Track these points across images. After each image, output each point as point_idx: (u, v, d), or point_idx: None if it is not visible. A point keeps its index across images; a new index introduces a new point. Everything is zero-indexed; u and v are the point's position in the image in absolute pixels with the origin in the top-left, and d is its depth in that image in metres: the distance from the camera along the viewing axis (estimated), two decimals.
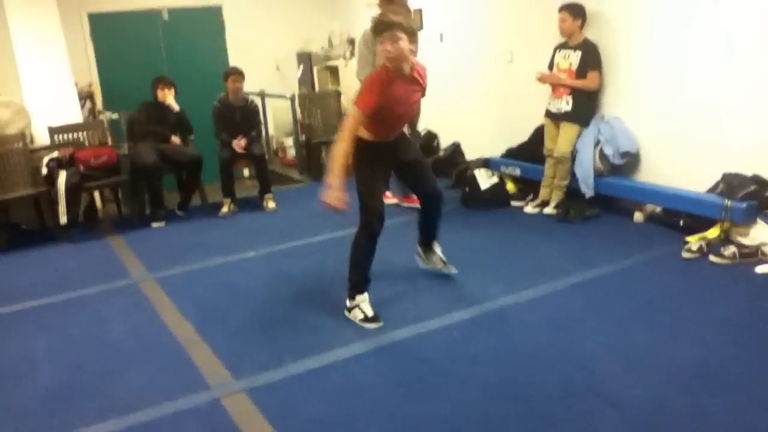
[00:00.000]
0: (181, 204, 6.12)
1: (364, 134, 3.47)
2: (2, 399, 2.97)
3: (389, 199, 5.61)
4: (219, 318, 3.69)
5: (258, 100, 7.91)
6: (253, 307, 3.81)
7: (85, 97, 7.10)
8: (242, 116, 6.06)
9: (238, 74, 6.05)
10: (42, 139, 6.02)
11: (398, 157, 3.66)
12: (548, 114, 5.16)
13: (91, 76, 7.48)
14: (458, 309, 3.53)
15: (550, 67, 5.17)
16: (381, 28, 3.24)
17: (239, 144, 5.90)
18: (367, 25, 4.38)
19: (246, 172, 7.63)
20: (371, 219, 3.48)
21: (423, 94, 3.63)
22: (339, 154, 3.26)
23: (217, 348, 3.30)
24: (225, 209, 5.97)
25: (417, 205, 4.30)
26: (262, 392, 2.85)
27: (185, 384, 2.98)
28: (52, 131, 5.88)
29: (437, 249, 4.03)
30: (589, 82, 4.89)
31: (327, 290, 3.97)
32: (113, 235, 5.60)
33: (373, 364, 3.01)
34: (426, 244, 4.04)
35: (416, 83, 3.48)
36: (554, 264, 4.11)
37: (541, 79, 5.08)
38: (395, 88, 3.33)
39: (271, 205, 6.02)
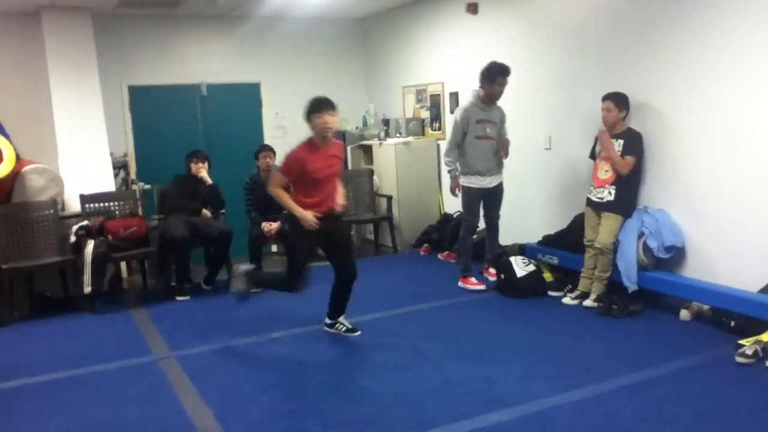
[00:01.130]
0: (207, 278, 6.00)
1: (305, 203, 4.20)
2: None
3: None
4: (241, 406, 3.48)
5: None
6: (278, 396, 3.60)
7: (120, 167, 7.12)
8: None
9: (269, 151, 6.05)
10: (73, 206, 6.00)
11: (329, 232, 4.29)
12: (589, 203, 5.01)
13: (127, 147, 7.53)
14: (496, 409, 3.28)
15: (593, 156, 5.06)
16: (326, 103, 4.19)
17: (269, 228, 5.81)
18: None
19: (275, 247, 7.52)
20: (295, 279, 4.36)
21: (341, 167, 4.45)
22: (281, 194, 4.28)
23: None
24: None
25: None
26: None
27: None
28: (84, 199, 5.86)
29: (342, 319, 4.61)
30: (625, 163, 4.75)
31: (357, 379, 3.77)
32: (137, 308, 5.47)
33: None
34: (334, 317, 4.63)
35: (335, 155, 4.33)
36: (599, 363, 3.86)
37: (601, 138, 4.91)
38: (317, 157, 4.18)
39: None
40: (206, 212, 5.97)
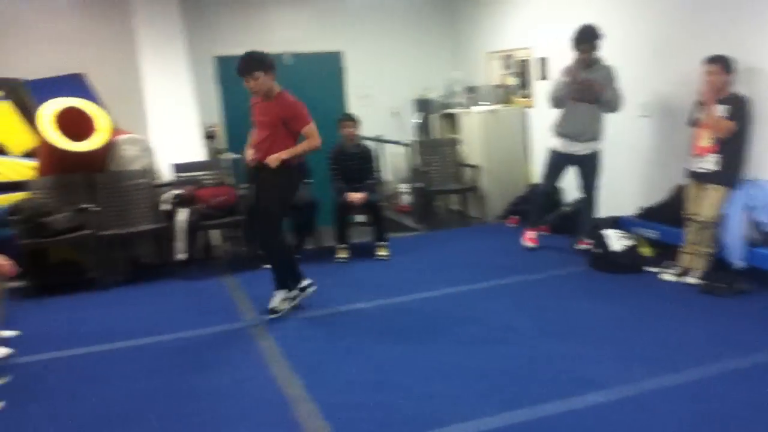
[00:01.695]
0: (294, 247, 6.05)
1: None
2: None
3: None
4: (329, 376, 3.48)
5: (375, 146, 7.87)
6: (364, 367, 3.58)
7: (208, 137, 7.25)
8: (358, 163, 5.97)
9: (351, 120, 6.00)
10: (165, 175, 6.15)
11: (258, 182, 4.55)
12: (691, 174, 4.70)
13: (216, 117, 7.66)
14: (589, 390, 3.14)
15: (693, 123, 4.73)
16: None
17: (355, 197, 5.79)
18: None
19: (360, 217, 7.52)
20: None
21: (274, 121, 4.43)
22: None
23: (325, 410, 3.09)
24: (342, 255, 5.85)
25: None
26: None
27: None
28: (176, 169, 6.00)
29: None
30: (724, 125, 4.42)
31: (442, 352, 3.70)
32: (228, 275, 5.58)
33: None
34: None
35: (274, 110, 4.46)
36: (701, 345, 3.63)
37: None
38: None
39: (383, 253, 5.84)
40: None
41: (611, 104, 5.31)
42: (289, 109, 4.44)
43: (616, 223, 5.36)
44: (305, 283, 4.63)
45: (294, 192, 4.59)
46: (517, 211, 6.92)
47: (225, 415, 3.11)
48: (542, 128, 6.99)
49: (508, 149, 7.23)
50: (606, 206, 5.88)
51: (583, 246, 5.51)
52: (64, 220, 5.18)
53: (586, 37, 5.25)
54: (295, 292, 4.58)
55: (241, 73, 4.41)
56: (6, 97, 6.00)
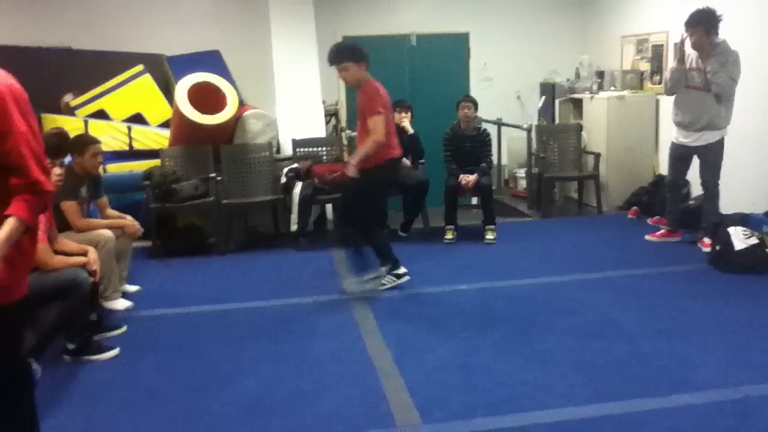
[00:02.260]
0: (404, 225, 6.13)
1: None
2: (202, 402, 3.08)
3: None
4: (419, 353, 3.53)
5: (494, 129, 7.77)
6: (456, 348, 3.59)
7: (332, 114, 7.46)
8: (473, 146, 5.94)
9: (469, 102, 5.94)
10: (287, 150, 6.41)
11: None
12: None
13: (339, 96, 7.86)
14: (687, 391, 2.98)
15: None
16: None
17: (467, 180, 5.76)
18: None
19: (474, 199, 7.48)
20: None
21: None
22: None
23: (412, 386, 3.14)
24: (448, 236, 5.86)
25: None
26: None
27: (374, 419, 2.85)
28: (295, 144, 6.24)
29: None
30: None
31: (538, 341, 3.63)
32: (337, 248, 5.75)
33: None
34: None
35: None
36: None
37: None
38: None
39: (491, 237, 5.78)
40: (406, 161, 6.05)
41: (718, 93, 4.94)
42: (364, 98, 4.39)
43: (742, 220, 4.99)
44: (401, 270, 4.65)
45: (378, 192, 4.66)
46: (639, 203, 6.60)
47: (318, 380, 3.24)
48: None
49: (634, 137, 6.90)
50: (733, 202, 5.49)
51: (703, 247, 5.21)
52: (191, 188, 5.55)
53: (696, 19, 4.91)
54: (388, 277, 4.63)
55: (331, 62, 4.44)
56: (146, 71, 6.47)
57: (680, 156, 5.31)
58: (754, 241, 4.71)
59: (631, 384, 3.08)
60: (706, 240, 5.18)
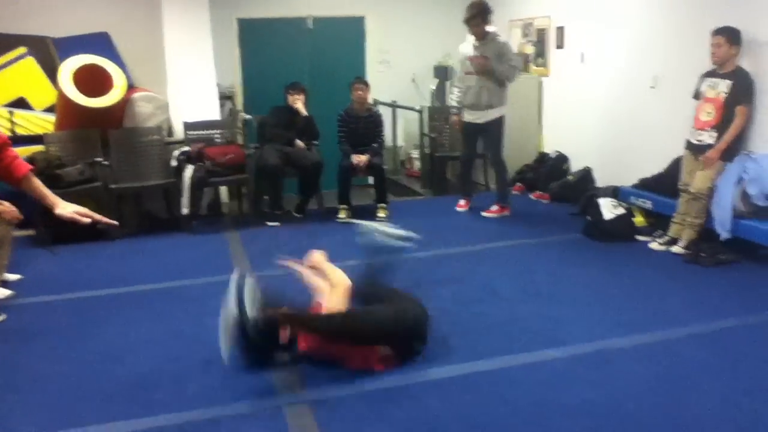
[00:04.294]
0: (298, 206, 6.21)
1: None
2: (91, 380, 3.09)
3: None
4: None
5: (390, 111, 7.95)
6: None
7: (227, 97, 7.41)
8: (365, 126, 6.08)
9: (362, 83, 6.08)
10: (179, 133, 6.34)
11: None
12: (689, 146, 4.70)
13: (235, 79, 7.81)
14: (555, 347, 3.25)
15: (696, 96, 4.71)
16: None
17: (359, 159, 5.90)
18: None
19: (371, 179, 7.63)
20: None
21: None
22: None
23: None
24: (342, 215, 5.99)
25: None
26: (326, 407, 2.76)
27: (255, 388, 2.94)
28: (187, 126, 6.18)
29: None
30: (738, 120, 4.41)
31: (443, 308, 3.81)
32: (231, 231, 5.77)
33: (449, 395, 2.83)
34: None
35: None
36: (675, 309, 3.71)
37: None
38: None
39: (382, 214, 5.96)
40: (300, 143, 6.13)
41: (504, 76, 5.72)
42: None
43: (614, 192, 5.38)
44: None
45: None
46: (523, 179, 6.95)
47: (209, 356, 3.27)
48: (557, 97, 7.00)
49: (521, 117, 7.22)
50: (608, 176, 5.89)
51: (490, 214, 5.87)
52: (76, 173, 5.41)
53: (474, 13, 5.68)
54: None
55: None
56: (30, 54, 6.23)
57: (469, 133, 6.03)
58: (621, 211, 5.10)
59: (504, 343, 3.32)
60: (492, 211, 5.96)
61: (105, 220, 2.34)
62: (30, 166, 2.13)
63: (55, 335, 3.64)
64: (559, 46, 6.90)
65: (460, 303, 3.89)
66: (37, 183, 2.14)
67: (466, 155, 6.20)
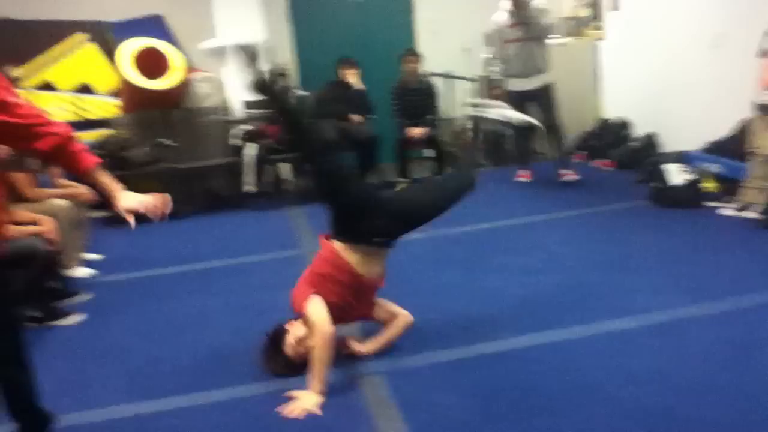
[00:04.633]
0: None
1: None
2: (169, 352, 3.21)
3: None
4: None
5: (443, 82, 7.87)
6: (406, 289, 3.75)
7: (281, 74, 7.45)
8: (419, 98, 6.05)
9: (413, 55, 6.06)
10: (237, 112, 6.44)
11: None
12: (757, 107, 4.51)
13: (289, 56, 7.85)
14: (621, 316, 3.21)
15: (763, 54, 4.51)
16: None
17: (414, 132, 5.89)
18: None
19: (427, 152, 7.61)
20: None
21: None
22: None
23: (367, 328, 3.27)
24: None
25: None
26: (397, 377, 2.79)
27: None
28: (246, 105, 6.27)
29: None
30: None
31: (486, 279, 3.83)
32: (293, 207, 5.86)
33: (516, 365, 2.83)
34: None
35: None
36: (748, 277, 3.59)
37: None
38: None
39: None
40: (355, 117, 6.15)
41: (545, 26, 5.69)
42: None
43: (680, 157, 5.23)
44: None
45: None
46: (585, 147, 6.82)
47: None
48: (614, 61, 6.83)
49: (577, 83, 7.08)
50: (673, 141, 5.74)
51: (566, 177, 5.80)
52: (143, 154, 5.58)
53: None
54: None
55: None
56: (91, 40, 6.40)
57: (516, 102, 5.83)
58: (689, 176, 4.95)
59: (570, 313, 3.29)
60: (566, 174, 5.92)
61: (166, 212, 2.30)
62: (97, 160, 2.08)
63: (131, 311, 3.79)
64: (615, 7, 6.70)
65: (526, 274, 3.87)
66: (105, 175, 2.10)
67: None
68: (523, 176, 6.12)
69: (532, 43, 5.66)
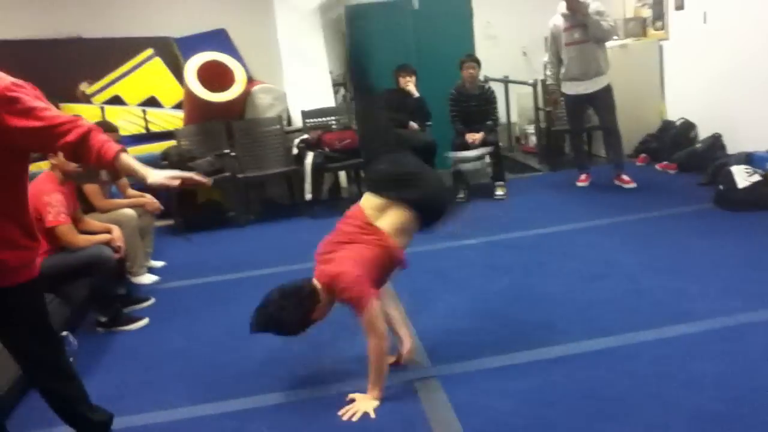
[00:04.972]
0: None
1: None
2: (229, 356, 3.32)
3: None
4: (428, 303, 3.71)
5: (502, 87, 7.83)
6: (464, 297, 3.76)
7: (340, 84, 7.58)
8: (478, 104, 6.04)
9: (472, 61, 6.04)
10: (297, 122, 6.56)
11: None
12: None
13: (346, 65, 7.96)
14: (682, 321, 3.13)
15: None
16: None
17: (473, 138, 5.88)
18: None
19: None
20: None
21: None
22: None
23: (422, 332, 3.32)
24: (460, 195, 6.01)
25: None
26: (454, 381, 2.80)
27: None
28: (304, 115, 6.39)
29: None
30: None
31: (544, 285, 3.80)
32: None
33: (573, 370, 2.80)
34: None
35: None
36: None
37: None
38: None
39: (500, 192, 5.92)
40: (413, 124, 6.18)
41: (605, 28, 5.56)
42: None
43: (746, 159, 5.06)
44: None
45: None
46: (648, 149, 6.66)
47: (334, 332, 3.41)
48: (678, 61, 6.65)
49: (640, 85, 6.92)
50: (740, 142, 5.55)
51: (624, 184, 5.69)
52: (207, 164, 5.74)
53: None
54: None
55: None
56: (156, 55, 6.65)
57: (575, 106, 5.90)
58: (756, 178, 4.78)
59: (628, 319, 3.24)
60: (623, 179, 5.77)
61: (195, 178, 2.38)
62: (120, 147, 2.14)
63: (192, 317, 3.92)
64: (679, 7, 6.53)
65: (583, 279, 3.82)
66: (128, 160, 2.14)
67: (578, 129, 6.12)
68: (582, 181, 6.01)
69: (591, 45, 5.56)
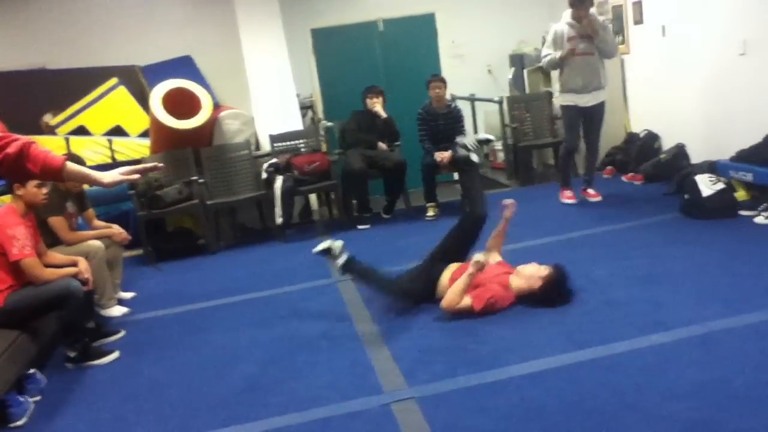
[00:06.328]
0: (386, 207, 6.29)
1: None
2: (203, 387, 3.25)
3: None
4: (403, 322, 3.69)
5: (469, 105, 7.92)
6: (440, 314, 3.75)
7: (307, 107, 7.59)
8: (446, 123, 6.08)
9: (439, 81, 6.09)
10: (266, 146, 6.54)
11: None
12: None
13: (313, 88, 7.98)
14: (657, 331, 3.15)
15: None
16: None
17: (441, 157, 5.91)
18: None
19: (455, 175, 7.62)
20: None
21: None
22: None
23: (397, 354, 3.30)
24: (430, 213, 6.02)
25: None
26: (431, 402, 2.78)
27: (362, 388, 3.01)
28: (273, 139, 6.37)
29: None
30: None
31: (516, 301, 3.80)
32: (323, 236, 5.89)
33: (550, 385, 2.80)
34: None
35: None
36: None
37: None
38: None
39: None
40: (382, 145, 6.20)
41: (612, 45, 5.60)
42: None
43: (710, 167, 5.16)
44: None
45: None
46: (614, 162, 6.77)
47: (310, 358, 3.41)
48: (640, 74, 6.79)
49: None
50: (702, 151, 5.66)
51: (590, 197, 5.74)
52: (175, 192, 5.68)
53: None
54: None
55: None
56: (121, 84, 6.59)
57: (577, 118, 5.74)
58: (720, 186, 4.87)
59: (601, 330, 3.26)
60: (590, 191, 5.84)
61: (148, 166, 2.40)
62: (65, 156, 2.14)
63: (166, 347, 3.85)
64: (638, 21, 6.69)
65: None
66: (76, 168, 2.16)
67: (573, 143, 5.82)
68: (568, 198, 5.86)
69: (595, 58, 5.49)
